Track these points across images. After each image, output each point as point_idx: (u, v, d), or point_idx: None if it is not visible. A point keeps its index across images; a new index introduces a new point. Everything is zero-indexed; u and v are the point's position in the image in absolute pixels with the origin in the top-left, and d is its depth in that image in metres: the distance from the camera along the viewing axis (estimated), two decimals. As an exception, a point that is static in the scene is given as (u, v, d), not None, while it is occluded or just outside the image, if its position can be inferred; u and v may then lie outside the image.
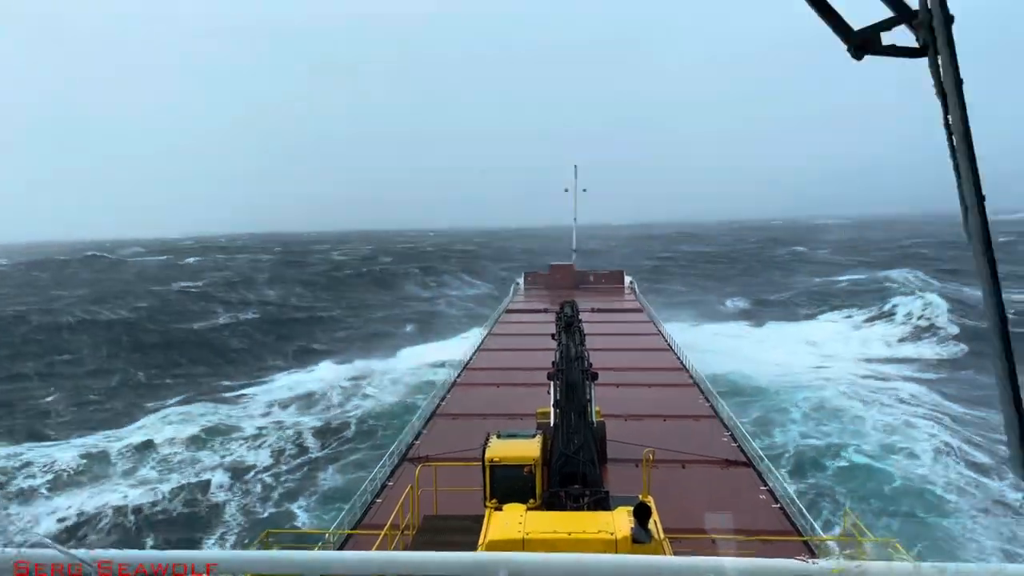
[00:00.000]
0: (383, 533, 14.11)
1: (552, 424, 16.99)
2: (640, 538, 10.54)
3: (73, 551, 2.38)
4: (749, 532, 15.55)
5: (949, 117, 1.84)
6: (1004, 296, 1.93)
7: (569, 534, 10.65)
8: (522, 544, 10.45)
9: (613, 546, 10.35)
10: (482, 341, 42.00)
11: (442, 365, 40.86)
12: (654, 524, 11.18)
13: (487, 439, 15.30)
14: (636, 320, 48.78)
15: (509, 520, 11.26)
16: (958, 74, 1.79)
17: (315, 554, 2.59)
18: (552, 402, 18.23)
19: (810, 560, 2.25)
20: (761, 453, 21.69)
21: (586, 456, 14.47)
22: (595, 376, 19.13)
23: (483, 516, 12.15)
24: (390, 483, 20.22)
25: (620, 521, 10.91)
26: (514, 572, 2.42)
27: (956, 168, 1.87)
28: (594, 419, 17.75)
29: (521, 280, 70.92)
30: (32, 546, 2.54)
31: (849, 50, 1.91)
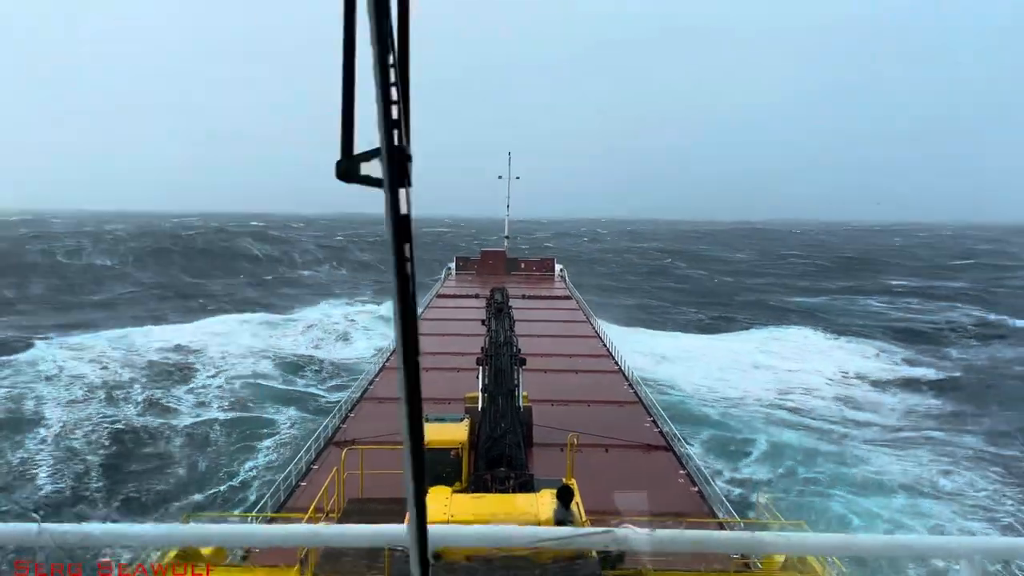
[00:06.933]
0: (307, 516, 14.02)
1: (480, 408, 17.18)
2: (562, 519, 10.84)
3: (24, 525, 2.40)
4: (667, 514, 16.12)
5: (406, 246, 1.84)
6: None
7: (493, 516, 10.85)
8: None
9: None
10: None
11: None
12: (576, 506, 11.50)
13: None
14: (565, 307, 49.44)
15: (434, 503, 11.38)
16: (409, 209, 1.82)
17: (243, 526, 2.66)
18: (480, 387, 18.39)
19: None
20: (681, 438, 22.46)
21: (512, 440, 14.72)
22: (523, 362, 19.40)
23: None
24: (315, 466, 20.03)
25: (544, 503, 11.17)
26: (436, 542, 2.53)
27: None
28: (521, 404, 18.03)
29: (452, 265, 70.76)
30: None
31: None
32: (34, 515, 23.38)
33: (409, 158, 1.73)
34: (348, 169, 1.84)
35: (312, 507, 14.42)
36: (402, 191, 1.73)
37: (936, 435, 32.53)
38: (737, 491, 24.87)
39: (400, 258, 1.74)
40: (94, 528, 2.51)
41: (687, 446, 21.87)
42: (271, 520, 16.55)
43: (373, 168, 1.79)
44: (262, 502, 17.85)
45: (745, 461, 28.58)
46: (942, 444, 31.21)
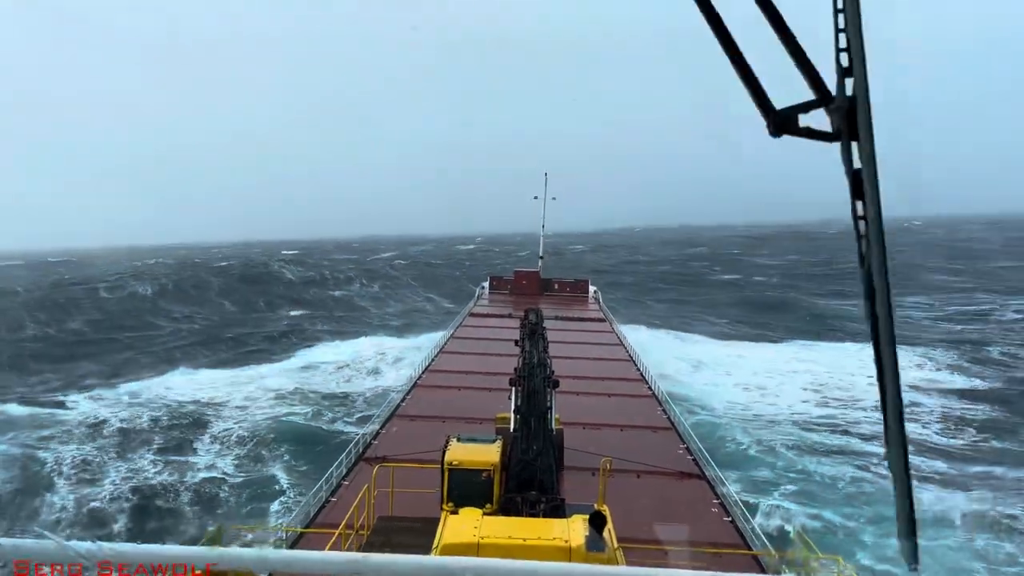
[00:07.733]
0: (337, 532, 13.99)
1: (512, 430, 17.02)
2: (595, 546, 10.60)
3: (68, 543, 2.39)
4: (700, 544, 15.75)
5: (858, 203, 1.79)
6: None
7: (524, 540, 10.67)
8: (477, 548, 10.43)
9: (567, 554, 10.38)
10: (444, 344, 41.85)
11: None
12: (609, 533, 11.27)
13: (447, 442, 15.26)
14: (599, 330, 49.10)
15: (465, 524, 11.25)
16: (873, 162, 1.75)
17: (280, 552, 2.60)
18: (513, 408, 18.25)
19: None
20: (715, 466, 21.98)
21: (544, 463, 14.53)
22: (557, 384, 19.22)
23: (439, 519, 12.12)
24: (346, 482, 20.06)
25: (575, 529, 10.96)
26: None
27: (861, 255, 1.82)
28: (553, 426, 17.84)
29: (486, 284, 70.87)
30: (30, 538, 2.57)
31: (768, 127, 1.88)
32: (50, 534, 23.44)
33: (866, 107, 1.73)
34: (783, 122, 1.86)
35: (343, 523, 14.38)
36: (854, 144, 1.77)
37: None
38: (775, 522, 24.23)
39: (855, 217, 1.76)
40: (126, 547, 2.48)
41: (726, 483, 21.37)
42: (300, 536, 16.57)
43: (813, 120, 1.82)
44: (291, 517, 17.92)
45: (780, 489, 27.95)
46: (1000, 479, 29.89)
